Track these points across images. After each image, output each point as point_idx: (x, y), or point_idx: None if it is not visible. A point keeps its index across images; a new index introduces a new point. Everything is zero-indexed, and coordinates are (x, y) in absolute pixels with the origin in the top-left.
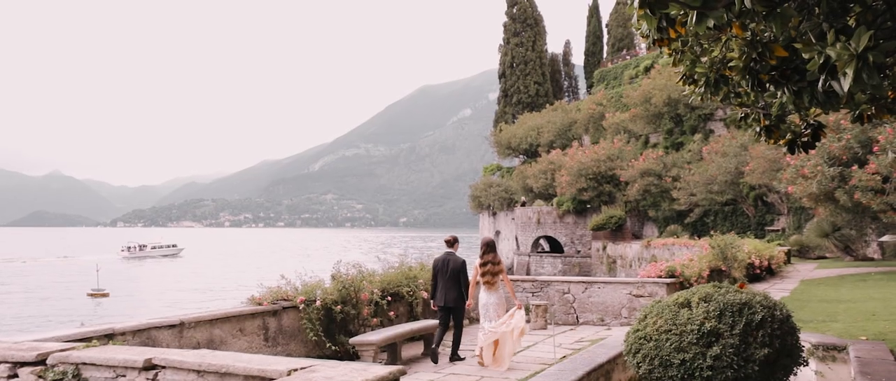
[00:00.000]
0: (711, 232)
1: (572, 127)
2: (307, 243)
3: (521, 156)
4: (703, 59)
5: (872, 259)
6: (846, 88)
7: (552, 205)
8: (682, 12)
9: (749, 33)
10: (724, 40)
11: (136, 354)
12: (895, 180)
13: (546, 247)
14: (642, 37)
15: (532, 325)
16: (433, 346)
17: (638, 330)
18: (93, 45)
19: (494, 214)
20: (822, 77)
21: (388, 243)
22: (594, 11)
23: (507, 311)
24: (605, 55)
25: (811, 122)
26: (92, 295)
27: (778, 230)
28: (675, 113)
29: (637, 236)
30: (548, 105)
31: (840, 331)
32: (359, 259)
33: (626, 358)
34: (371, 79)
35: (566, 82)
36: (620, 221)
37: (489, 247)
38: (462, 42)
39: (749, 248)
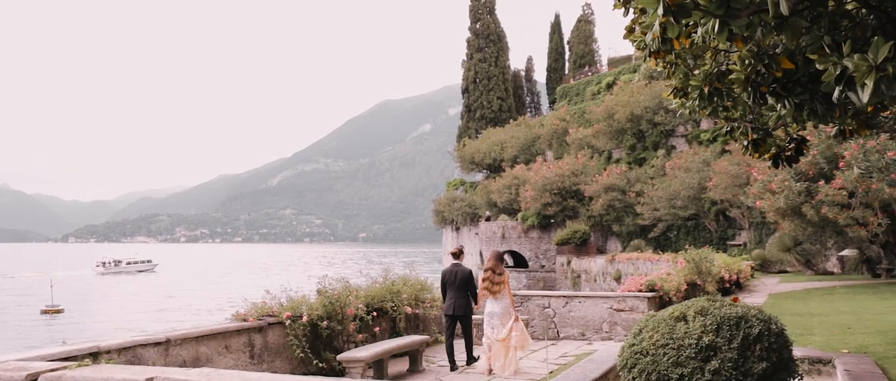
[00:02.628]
0: (686, 246)
1: (536, 142)
2: (269, 258)
3: (484, 171)
4: (696, 72)
5: (832, 273)
6: (866, 100)
7: (517, 220)
8: (690, 23)
9: (755, 46)
10: (710, 55)
11: (136, 373)
12: (861, 195)
13: (510, 262)
14: (639, 49)
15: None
16: (448, 354)
17: (633, 345)
18: (44, 55)
19: (458, 229)
20: (838, 88)
21: (350, 258)
22: (556, 28)
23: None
24: (566, 71)
25: (794, 136)
26: (46, 312)
27: (739, 245)
28: (637, 129)
29: (601, 251)
30: (511, 120)
31: (821, 344)
32: (343, 274)
33: (620, 373)
34: (331, 93)
35: (528, 98)
36: (585, 235)
37: (495, 258)
38: (422, 57)
39: (719, 262)
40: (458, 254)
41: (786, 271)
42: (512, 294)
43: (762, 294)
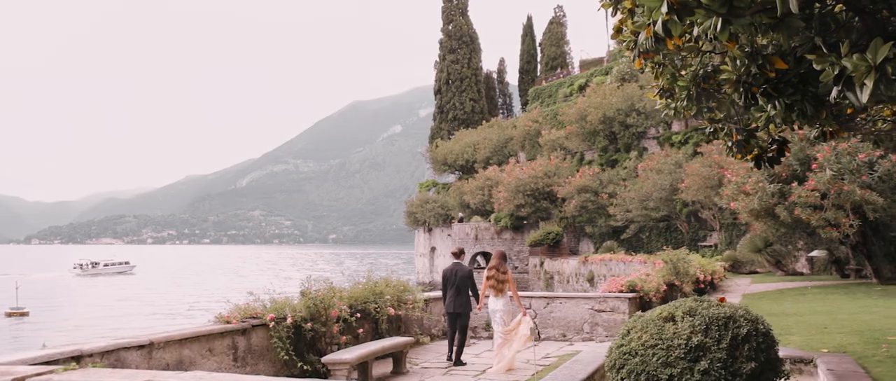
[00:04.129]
0: (664, 248)
1: (508, 144)
2: (242, 260)
3: (457, 172)
4: (683, 73)
5: (802, 274)
6: (865, 100)
7: (490, 221)
8: (687, 22)
9: (748, 46)
10: (694, 56)
11: (127, 377)
12: (833, 197)
13: (483, 263)
14: (628, 49)
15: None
16: (449, 344)
17: (622, 345)
18: (4, 53)
19: (430, 230)
20: (836, 89)
21: (323, 259)
22: (528, 30)
23: (513, 317)
24: (539, 73)
25: (776, 138)
26: (10, 315)
27: (711, 246)
28: (609, 131)
29: (574, 252)
30: (483, 122)
31: (800, 344)
32: (327, 275)
33: (608, 374)
34: (300, 94)
35: (501, 100)
36: (557, 237)
37: (499, 257)
38: (392, 59)
39: (696, 263)
40: (458, 254)
41: (756, 272)
42: (516, 292)
43: (736, 295)
